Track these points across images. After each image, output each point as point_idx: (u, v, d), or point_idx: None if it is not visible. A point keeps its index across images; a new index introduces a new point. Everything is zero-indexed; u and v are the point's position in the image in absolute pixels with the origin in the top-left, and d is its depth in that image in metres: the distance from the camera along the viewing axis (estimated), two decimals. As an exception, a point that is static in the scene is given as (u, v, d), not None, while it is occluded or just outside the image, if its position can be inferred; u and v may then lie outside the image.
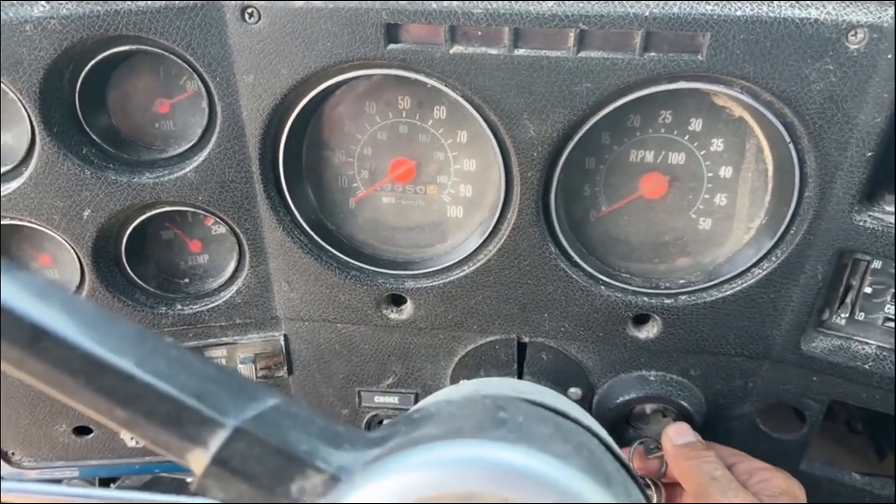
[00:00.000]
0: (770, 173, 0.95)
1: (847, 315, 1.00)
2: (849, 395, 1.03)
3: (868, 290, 0.98)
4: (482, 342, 1.11)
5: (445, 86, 0.90)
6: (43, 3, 0.86)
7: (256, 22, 0.87)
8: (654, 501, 1.01)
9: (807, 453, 1.13)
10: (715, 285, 0.99)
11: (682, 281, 1.02)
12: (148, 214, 1.03)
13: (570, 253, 1.00)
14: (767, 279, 0.96)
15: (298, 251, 1.03)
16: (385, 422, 1.21)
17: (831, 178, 0.88)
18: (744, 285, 0.98)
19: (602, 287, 1.01)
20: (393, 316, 1.09)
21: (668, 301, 1.01)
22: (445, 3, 0.83)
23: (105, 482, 1.43)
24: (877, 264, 0.95)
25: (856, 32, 0.79)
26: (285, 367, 1.17)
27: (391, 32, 0.86)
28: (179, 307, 1.11)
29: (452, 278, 1.03)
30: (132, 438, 1.22)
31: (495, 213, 0.98)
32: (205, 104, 0.95)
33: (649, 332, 1.04)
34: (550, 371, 1.12)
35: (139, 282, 1.09)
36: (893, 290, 0.97)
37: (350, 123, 1.01)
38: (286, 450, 0.46)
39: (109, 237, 1.05)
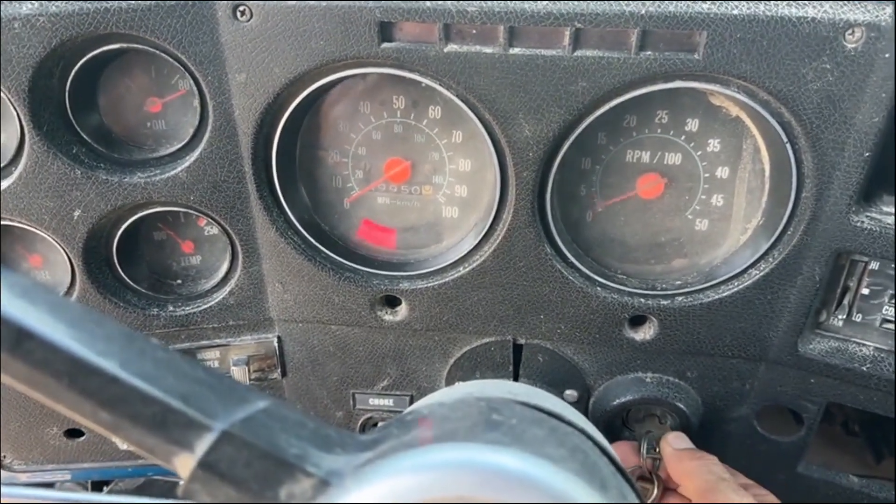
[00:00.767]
0: (767, 174, 0.95)
1: (844, 316, 0.99)
2: (846, 397, 1.02)
3: (865, 291, 0.97)
4: (477, 344, 1.10)
5: (440, 85, 0.89)
6: (32, 1, 0.85)
7: (248, 20, 0.86)
8: (653, 497, 1.00)
9: (804, 456, 1.12)
10: (711, 286, 0.99)
11: (678, 282, 1.01)
12: (139, 215, 1.02)
13: (566, 254, 0.99)
14: (764, 280, 0.96)
15: (292, 252, 1.02)
16: (378, 424, 1.20)
17: (829, 178, 0.87)
18: (741, 286, 0.97)
19: (598, 288, 1.01)
20: (387, 317, 1.08)
21: (664, 302, 1.00)
22: (440, 2, 0.82)
23: (97, 485, 1.42)
24: (874, 265, 0.95)
25: (853, 31, 0.78)
26: (279, 370, 1.16)
27: (385, 31, 0.85)
28: (171, 308, 1.10)
29: (447, 279, 1.02)
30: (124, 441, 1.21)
31: (490, 214, 0.97)
32: (197, 103, 0.94)
33: (646, 333, 1.04)
34: (546, 373, 1.11)
35: (131, 283, 1.08)
36: (891, 292, 0.96)
37: (344, 123, 1.00)
38: (275, 453, 0.45)
39: (100, 238, 1.04)
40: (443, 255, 1.05)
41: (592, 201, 1.01)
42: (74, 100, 0.95)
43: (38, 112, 0.92)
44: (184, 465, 0.44)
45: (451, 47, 0.85)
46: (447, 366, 1.13)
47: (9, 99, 0.91)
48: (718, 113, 0.93)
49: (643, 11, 0.80)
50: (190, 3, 0.86)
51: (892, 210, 0.89)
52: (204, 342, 1.14)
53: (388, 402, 1.19)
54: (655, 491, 1.01)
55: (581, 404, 1.13)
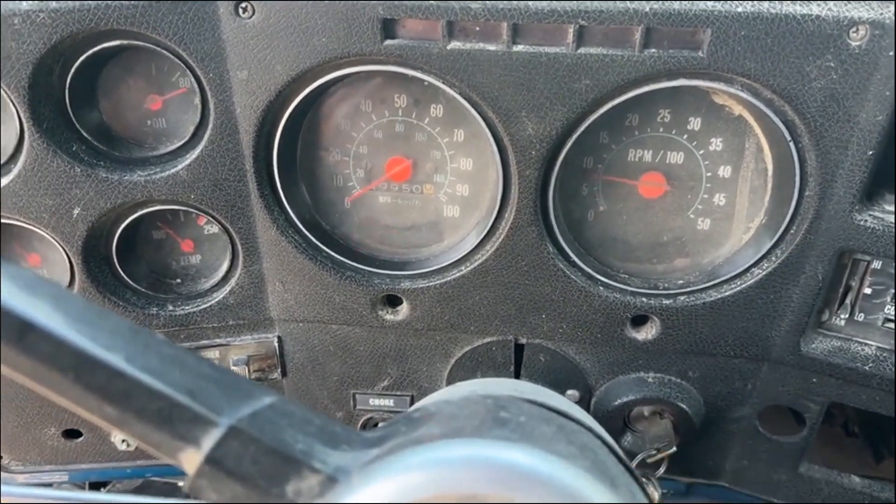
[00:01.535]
0: (770, 172, 0.95)
1: (847, 316, 0.99)
2: (848, 397, 1.02)
3: (868, 290, 0.97)
4: (479, 343, 1.09)
5: (443, 83, 0.88)
6: (33, -4, 0.85)
7: (251, 17, 0.85)
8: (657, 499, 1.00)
9: (806, 456, 1.12)
10: (714, 286, 0.98)
11: (680, 281, 1.01)
12: (139, 213, 1.01)
13: (569, 253, 0.99)
14: (767, 279, 0.95)
15: (293, 251, 1.02)
16: (380, 423, 1.20)
17: (832, 177, 0.87)
18: (743, 286, 0.97)
19: (600, 287, 1.00)
20: (388, 317, 1.07)
21: (666, 302, 1.00)
22: None
23: (95, 486, 1.41)
24: (877, 264, 0.95)
25: (857, 29, 0.78)
26: (279, 370, 1.16)
27: (388, 28, 0.85)
28: (171, 308, 1.09)
29: (449, 279, 1.02)
30: (123, 441, 1.21)
31: (493, 213, 0.97)
32: (198, 101, 0.94)
33: (648, 333, 1.03)
34: (548, 373, 1.11)
35: (130, 282, 1.07)
36: (893, 291, 0.96)
37: (345, 121, 1.00)
38: (282, 450, 0.45)
39: (100, 236, 1.03)
40: (444, 254, 1.04)
41: (595, 200, 1.01)
42: (74, 97, 0.94)
43: (37, 109, 0.91)
44: (190, 460, 0.44)
45: (455, 45, 0.85)
46: (448, 366, 1.12)
47: (8, 96, 0.90)
48: (721, 112, 0.93)
49: (647, 9, 0.80)
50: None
51: (895, 209, 0.89)
52: (204, 342, 1.13)
53: (388, 403, 1.18)
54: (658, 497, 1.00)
55: (583, 404, 1.13)
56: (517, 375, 1.12)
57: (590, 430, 0.58)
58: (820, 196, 0.88)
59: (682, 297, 1.00)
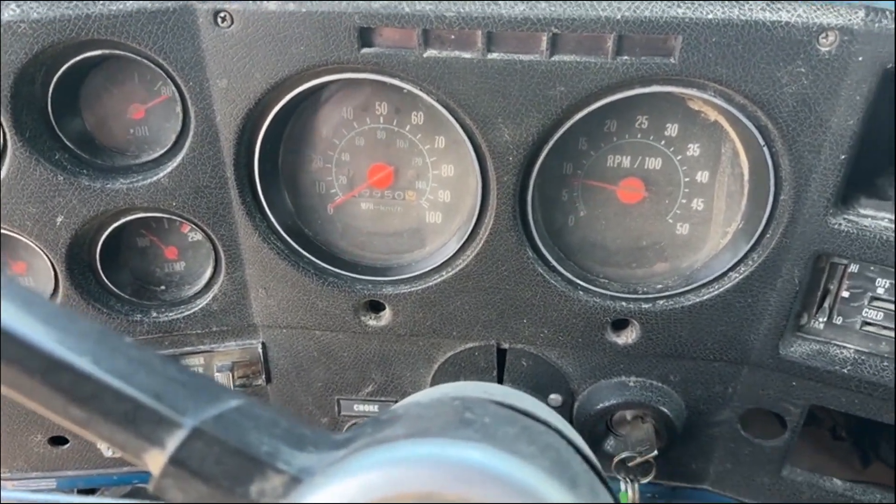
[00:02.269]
0: (746, 177, 0.96)
1: (825, 319, 1.00)
2: (828, 400, 1.03)
3: (846, 293, 0.98)
4: (461, 349, 1.10)
5: (420, 90, 0.89)
6: (13, 7, 0.86)
7: (229, 26, 0.86)
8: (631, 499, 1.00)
9: (789, 459, 1.13)
10: (692, 290, 0.99)
11: (659, 286, 1.02)
12: (122, 221, 1.02)
13: (548, 258, 1.00)
14: (744, 283, 0.96)
15: (275, 257, 1.03)
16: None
17: (806, 180, 0.88)
18: (721, 289, 0.98)
19: (580, 292, 1.01)
20: (371, 322, 1.08)
21: (646, 306, 1.01)
22: (418, 7, 0.83)
23: (83, 493, 1.41)
24: (853, 268, 0.96)
25: (826, 35, 0.79)
26: (263, 376, 1.16)
27: (364, 36, 0.86)
28: (155, 315, 1.10)
29: (431, 284, 1.02)
30: (108, 448, 1.21)
31: (473, 219, 0.98)
32: (179, 109, 0.95)
33: (628, 337, 1.04)
34: (530, 377, 1.11)
35: (114, 289, 1.08)
36: (870, 294, 0.97)
37: (327, 129, 1.01)
38: (246, 450, 0.45)
39: (83, 244, 1.04)
40: (426, 259, 1.05)
41: (574, 206, 1.02)
42: (57, 106, 0.95)
43: (20, 118, 0.92)
44: (155, 461, 0.45)
45: (431, 52, 0.86)
46: (432, 371, 1.13)
47: (-9, 105, 0.91)
48: (697, 118, 0.94)
49: (619, 16, 0.81)
50: (171, 7, 0.86)
51: (869, 213, 0.90)
52: (188, 348, 1.13)
53: (373, 409, 1.19)
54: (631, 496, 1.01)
55: (565, 409, 1.13)
56: (500, 380, 1.13)
57: (557, 430, 0.58)
58: (794, 200, 0.89)
59: (661, 301, 1.01)
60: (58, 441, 1.23)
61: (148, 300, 1.11)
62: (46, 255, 1.02)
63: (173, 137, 0.97)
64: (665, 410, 1.08)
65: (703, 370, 1.06)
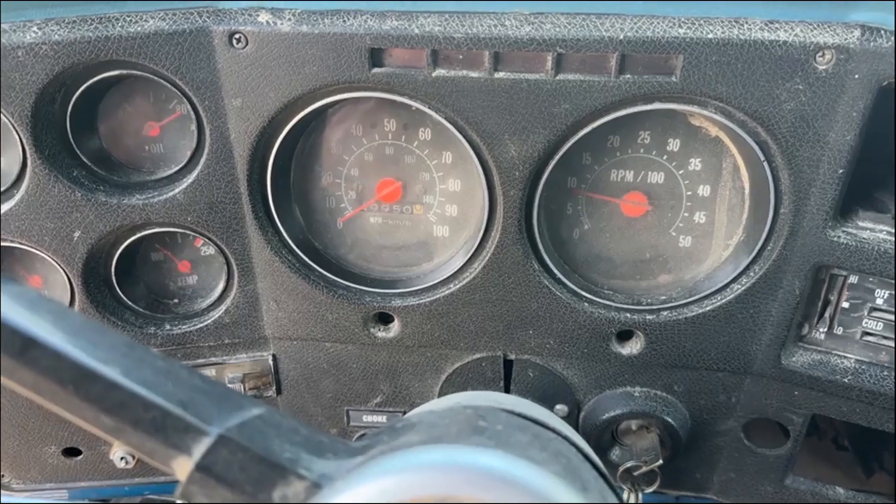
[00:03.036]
0: (747, 191, 0.98)
1: (826, 329, 1.02)
2: (829, 409, 1.05)
3: (846, 304, 0.99)
4: (469, 360, 1.12)
5: (429, 108, 0.92)
6: (35, 29, 0.88)
7: (244, 47, 0.89)
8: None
9: (792, 468, 1.14)
10: (695, 301, 1.01)
11: (663, 297, 1.04)
12: (138, 235, 1.04)
13: (554, 270, 1.02)
14: (746, 294, 0.98)
15: (286, 271, 1.05)
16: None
17: (805, 194, 0.90)
18: (723, 301, 0.99)
19: (585, 304, 1.03)
20: (380, 334, 1.10)
21: (650, 317, 1.03)
22: (427, 28, 0.86)
23: (94, 505, 1.43)
24: (853, 279, 0.98)
25: (823, 53, 0.82)
26: (274, 387, 1.18)
27: (375, 57, 0.88)
28: (168, 327, 1.12)
29: (438, 296, 1.04)
30: (122, 459, 1.22)
31: (480, 232, 1.00)
32: (194, 127, 0.97)
33: (633, 347, 1.06)
34: (537, 388, 1.13)
35: (129, 302, 1.10)
36: (870, 305, 0.98)
37: (337, 145, 1.03)
38: (269, 457, 0.47)
39: (99, 258, 1.06)
40: (434, 272, 1.07)
41: (579, 219, 1.04)
42: (75, 124, 0.98)
43: (40, 136, 0.95)
44: (181, 467, 0.47)
45: (439, 72, 0.88)
46: (439, 382, 1.15)
47: (11, 124, 0.93)
48: (698, 133, 0.97)
49: (622, 37, 0.83)
50: (187, 31, 0.89)
51: (868, 225, 0.92)
52: (200, 360, 1.15)
53: (381, 419, 1.21)
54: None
55: (571, 419, 1.15)
56: (507, 391, 1.14)
57: (566, 438, 0.60)
58: (794, 213, 0.92)
59: (665, 313, 1.02)
60: (71, 452, 1.25)
61: (162, 313, 1.13)
62: (63, 270, 1.05)
63: (188, 155, 0.99)
64: (669, 420, 1.09)
65: (707, 380, 1.08)
